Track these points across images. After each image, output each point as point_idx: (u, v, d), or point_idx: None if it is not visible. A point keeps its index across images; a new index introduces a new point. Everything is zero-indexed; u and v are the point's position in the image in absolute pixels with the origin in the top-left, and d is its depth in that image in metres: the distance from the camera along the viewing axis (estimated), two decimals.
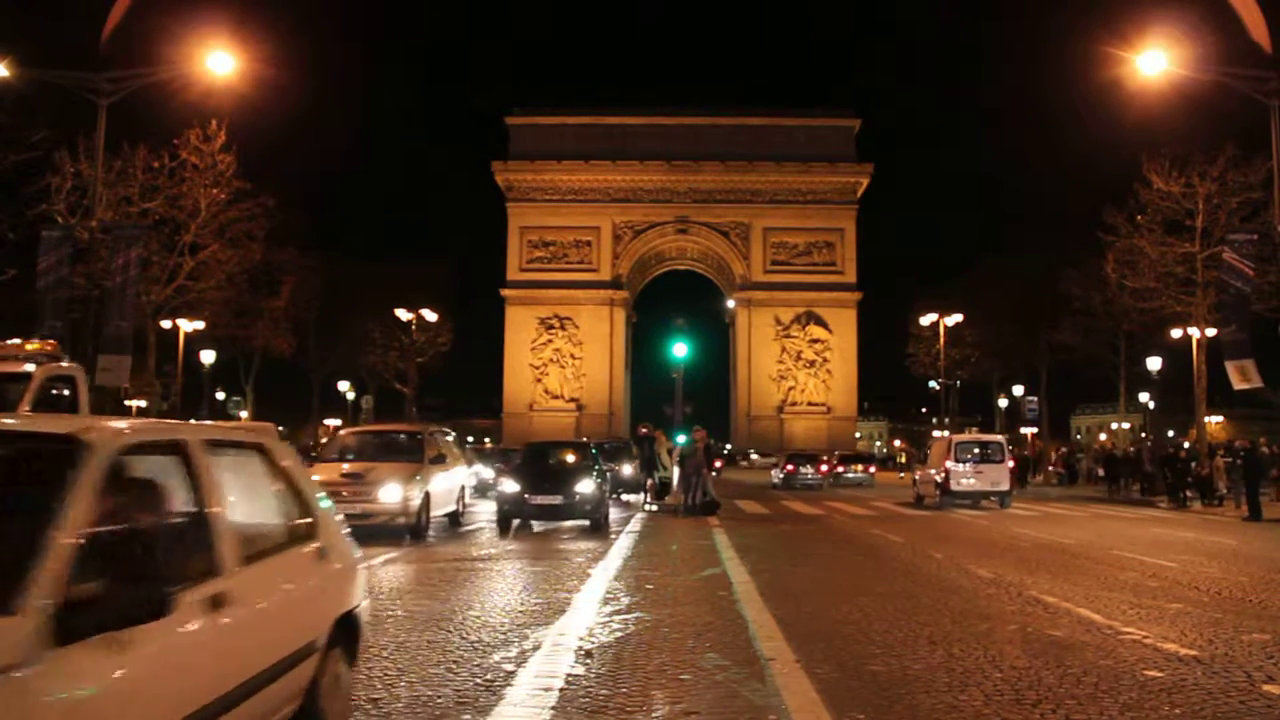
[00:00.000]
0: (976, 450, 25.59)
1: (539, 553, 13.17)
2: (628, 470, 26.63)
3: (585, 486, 15.90)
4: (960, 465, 25.08)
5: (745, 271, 71.58)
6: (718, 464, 50.76)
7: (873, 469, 39.87)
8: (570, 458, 18.70)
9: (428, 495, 14.68)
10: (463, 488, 17.66)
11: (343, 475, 14.34)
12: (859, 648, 6.91)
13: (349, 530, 4.90)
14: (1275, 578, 11.42)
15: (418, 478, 14.58)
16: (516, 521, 16.39)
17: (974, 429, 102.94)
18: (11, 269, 29.05)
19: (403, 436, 16.72)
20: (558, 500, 15.73)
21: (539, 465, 17.88)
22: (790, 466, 37.45)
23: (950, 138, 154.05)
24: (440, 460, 15.94)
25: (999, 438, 28.67)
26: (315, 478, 12.42)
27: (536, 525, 16.82)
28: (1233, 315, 24.36)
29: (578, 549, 13.50)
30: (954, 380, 60.38)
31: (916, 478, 28.75)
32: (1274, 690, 5.83)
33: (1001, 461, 25.49)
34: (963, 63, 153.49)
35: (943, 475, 25.01)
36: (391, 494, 14.01)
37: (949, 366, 56.29)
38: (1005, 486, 25.30)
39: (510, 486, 15.96)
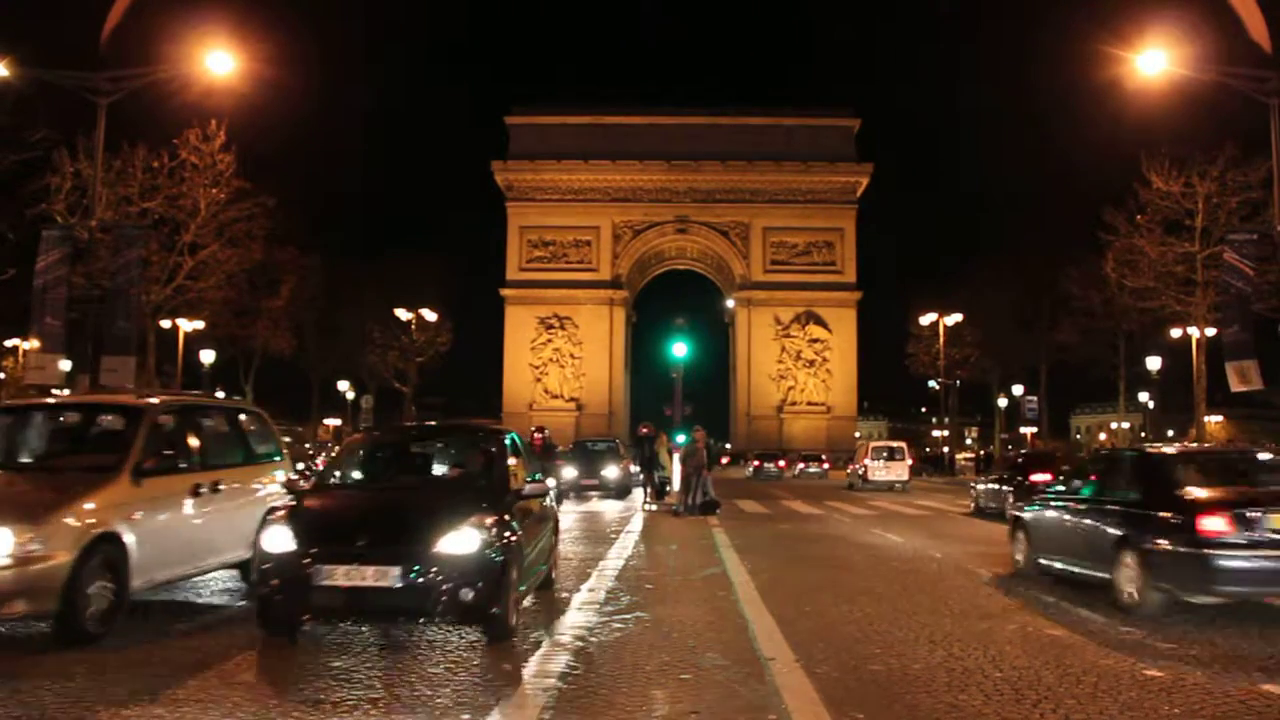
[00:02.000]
0: (886, 452, 34.98)
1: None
2: (613, 472, 25.87)
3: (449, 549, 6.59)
4: (874, 462, 34.29)
5: (745, 271, 71.57)
6: (724, 460, 50.14)
7: (826, 465, 49.59)
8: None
9: (118, 546, 7.03)
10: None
11: None
12: (859, 647, 6.91)
13: None
14: None
15: (76, 509, 6.87)
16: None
17: (974, 429, 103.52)
18: (11, 269, 29.07)
19: (106, 418, 8.56)
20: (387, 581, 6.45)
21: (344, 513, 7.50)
22: (757, 463, 47.83)
23: (950, 138, 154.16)
24: (172, 467, 8.00)
25: (901, 444, 37.78)
26: None
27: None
28: (1233, 315, 24.34)
29: None
30: (953, 380, 60.40)
31: (848, 471, 38.50)
32: (1274, 690, 5.83)
33: (902, 460, 34.51)
34: (963, 63, 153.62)
35: (862, 469, 34.69)
36: None
37: (949, 366, 56.33)
38: (905, 478, 34.16)
39: (280, 542, 6.65)
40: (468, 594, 6.42)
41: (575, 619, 7.88)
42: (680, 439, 28.12)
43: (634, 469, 27.74)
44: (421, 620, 6.80)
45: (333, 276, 56.10)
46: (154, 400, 8.62)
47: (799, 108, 73.05)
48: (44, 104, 27.37)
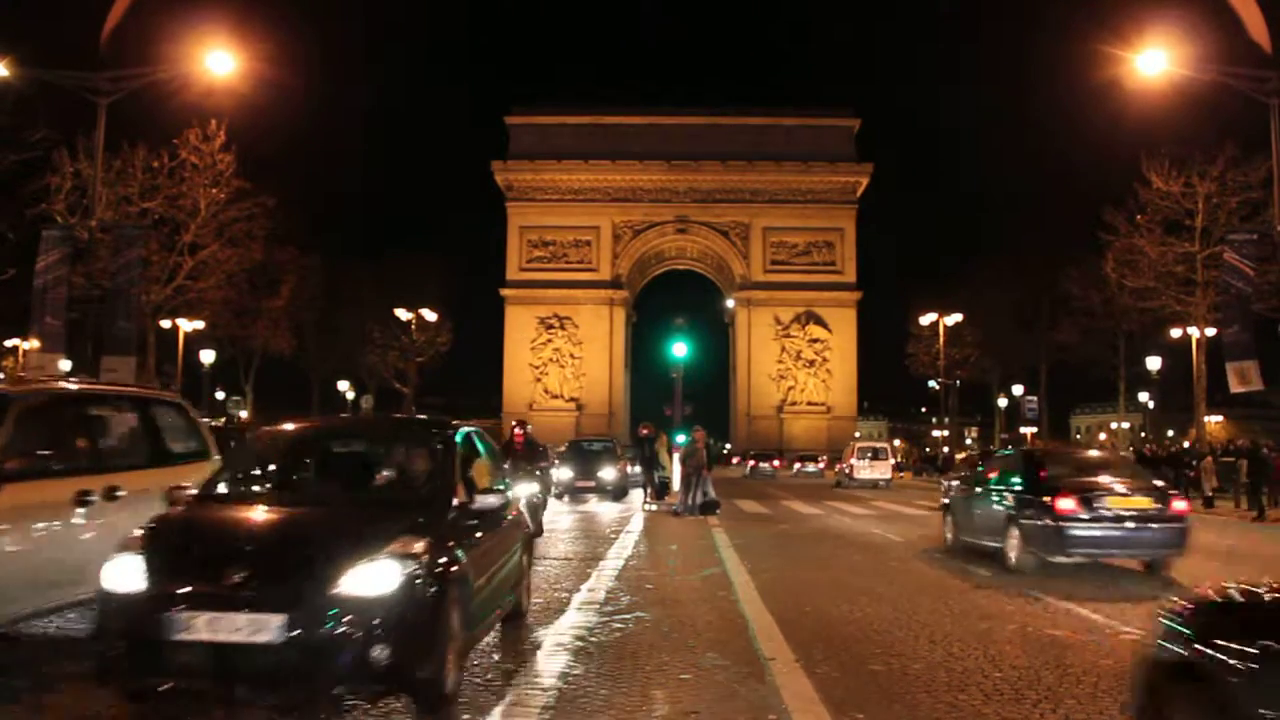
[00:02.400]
0: (871, 452, 38.50)
1: None
2: (610, 473, 25.27)
3: None
4: (860, 461, 37.48)
5: (745, 271, 71.55)
6: (735, 460, 50.64)
7: (822, 465, 50.40)
8: None
9: None
10: None
11: None
12: (859, 647, 6.91)
13: None
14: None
15: None
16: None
17: (974, 429, 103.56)
18: (11, 269, 29.09)
19: None
20: None
21: None
22: (752, 462, 49.74)
23: (950, 138, 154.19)
24: (45, 469, 6.49)
25: (885, 444, 42.74)
26: None
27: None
28: (1233, 315, 24.34)
29: None
30: (953, 380, 60.42)
31: (836, 469, 41.61)
32: None
33: (886, 459, 38.39)
34: (962, 63, 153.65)
35: (849, 468, 37.74)
36: None
37: (949, 366, 56.33)
38: (888, 476, 37.64)
39: (127, 578, 4.98)
40: (381, 652, 4.63)
41: (575, 619, 7.87)
42: (680, 439, 28.06)
43: (635, 469, 27.65)
44: (322, 691, 4.62)
45: (333, 276, 56.17)
46: (28, 387, 7.09)
47: (799, 108, 73.04)
48: (44, 104, 27.44)
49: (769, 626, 7.57)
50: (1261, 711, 2.87)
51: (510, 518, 7.04)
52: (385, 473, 6.68)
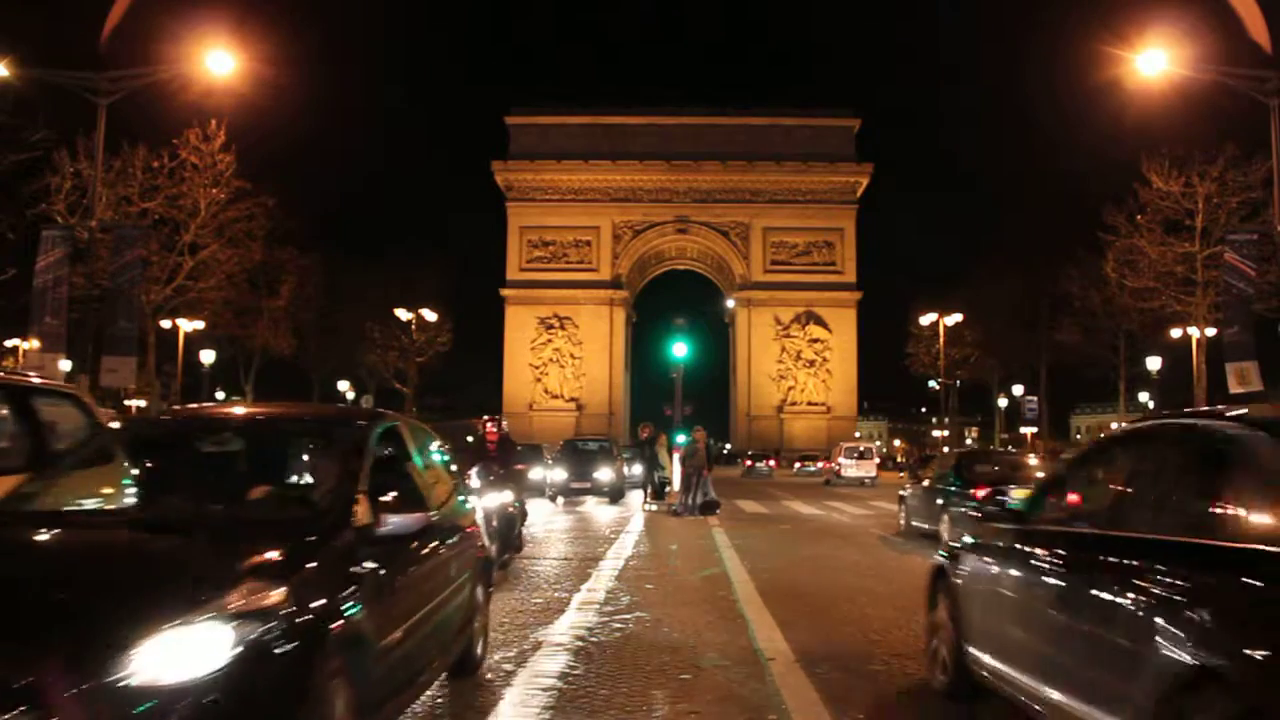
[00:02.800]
0: (857, 452, 41.53)
1: None
2: (606, 474, 24.61)
3: None
4: (847, 460, 40.35)
5: (745, 271, 71.56)
6: (748, 463, 51.33)
7: (822, 464, 50.94)
8: None
9: None
10: None
11: None
12: (859, 647, 6.92)
13: None
14: None
15: None
16: None
17: (974, 429, 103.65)
18: (11, 269, 29.09)
19: None
20: None
21: None
22: (749, 462, 51.52)
23: (950, 138, 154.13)
24: None
25: (870, 445, 46.44)
26: None
27: None
28: (1234, 316, 24.33)
29: None
30: (954, 380, 60.43)
31: (827, 468, 44.63)
32: None
33: (871, 459, 41.37)
34: (962, 62, 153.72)
35: (837, 466, 40.76)
36: None
37: (949, 366, 56.34)
38: (873, 474, 39.95)
39: None
40: None
41: (575, 619, 7.87)
42: (680, 439, 28.03)
43: (632, 470, 27.61)
44: None
45: (333, 276, 56.14)
46: None
47: (799, 107, 73.04)
48: (44, 104, 27.42)
49: (769, 626, 7.57)
50: (955, 582, 5.36)
51: (452, 541, 5.29)
52: (268, 483, 4.77)
